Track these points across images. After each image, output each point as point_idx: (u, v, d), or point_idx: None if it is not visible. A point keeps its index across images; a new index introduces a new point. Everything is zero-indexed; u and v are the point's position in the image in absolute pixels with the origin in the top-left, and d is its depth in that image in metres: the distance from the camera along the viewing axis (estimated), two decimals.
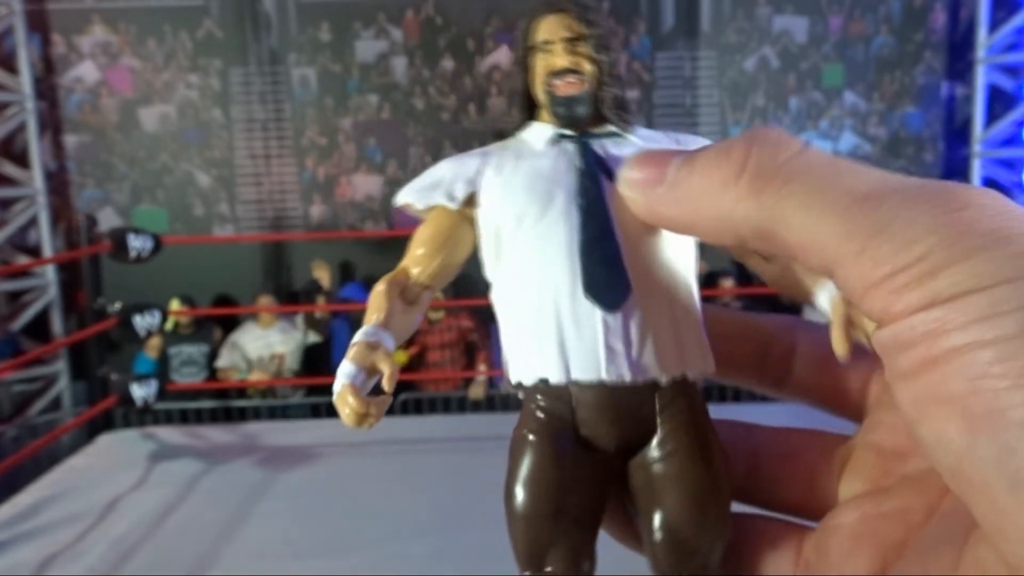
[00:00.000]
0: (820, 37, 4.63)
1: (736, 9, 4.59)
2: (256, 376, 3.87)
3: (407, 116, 4.59)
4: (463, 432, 2.74)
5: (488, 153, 0.35)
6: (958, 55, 4.64)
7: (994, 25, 4.42)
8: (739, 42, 4.61)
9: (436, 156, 4.63)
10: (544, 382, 0.31)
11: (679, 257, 0.32)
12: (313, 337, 4.04)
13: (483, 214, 0.33)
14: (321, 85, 4.53)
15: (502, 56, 4.55)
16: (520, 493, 0.31)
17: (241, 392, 3.94)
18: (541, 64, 0.35)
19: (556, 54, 0.34)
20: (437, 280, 0.35)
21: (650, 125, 0.36)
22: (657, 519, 0.30)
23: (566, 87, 0.34)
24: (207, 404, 3.78)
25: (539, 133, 0.35)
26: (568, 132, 0.34)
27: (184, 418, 3.57)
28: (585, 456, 0.31)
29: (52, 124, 4.42)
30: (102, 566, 1.80)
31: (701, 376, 0.32)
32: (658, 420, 0.31)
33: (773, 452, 0.32)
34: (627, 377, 0.30)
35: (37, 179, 4.20)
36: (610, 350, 0.30)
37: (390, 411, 0.35)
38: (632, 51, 4.52)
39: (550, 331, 0.31)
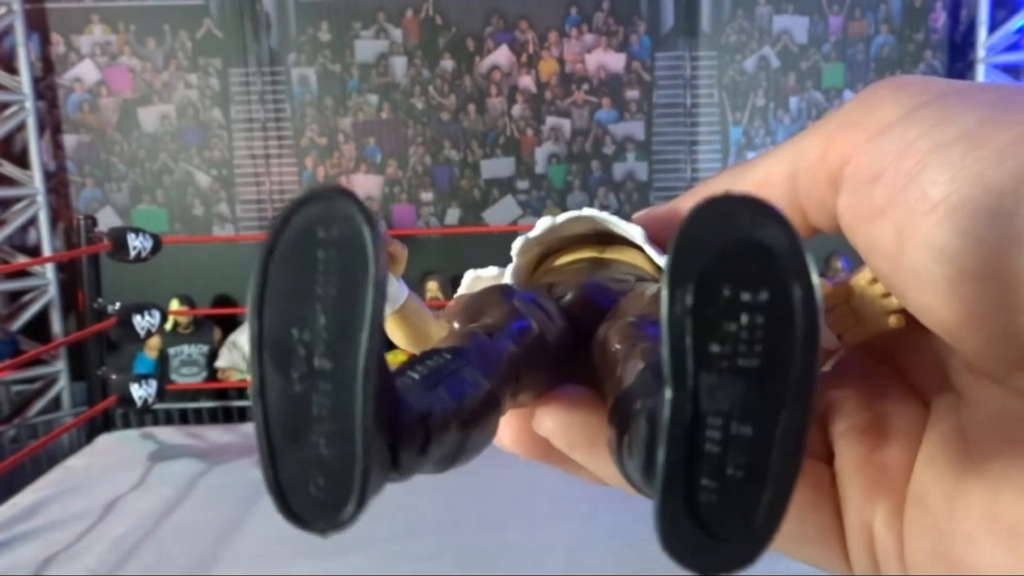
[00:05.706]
0: (820, 37, 4.63)
1: (736, 9, 4.59)
2: None
3: (407, 116, 4.59)
4: None
5: None
6: (958, 55, 4.65)
7: (994, 25, 4.42)
8: (739, 42, 4.61)
9: (436, 156, 4.64)
10: None
11: None
12: None
13: None
14: (321, 85, 4.53)
15: (502, 56, 4.55)
16: None
17: (241, 392, 3.93)
18: None
19: None
20: None
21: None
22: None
23: None
24: (207, 404, 3.78)
25: None
26: None
27: (184, 418, 3.57)
28: None
29: (51, 124, 4.42)
30: (102, 566, 1.80)
31: None
32: None
33: None
34: None
35: (36, 179, 4.20)
36: None
37: None
38: (632, 51, 4.52)
39: None
